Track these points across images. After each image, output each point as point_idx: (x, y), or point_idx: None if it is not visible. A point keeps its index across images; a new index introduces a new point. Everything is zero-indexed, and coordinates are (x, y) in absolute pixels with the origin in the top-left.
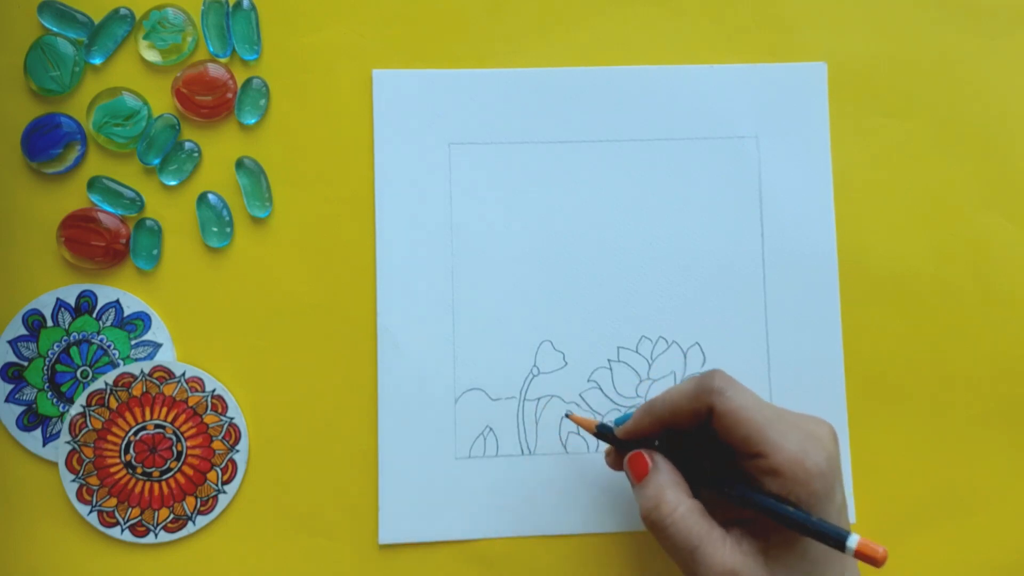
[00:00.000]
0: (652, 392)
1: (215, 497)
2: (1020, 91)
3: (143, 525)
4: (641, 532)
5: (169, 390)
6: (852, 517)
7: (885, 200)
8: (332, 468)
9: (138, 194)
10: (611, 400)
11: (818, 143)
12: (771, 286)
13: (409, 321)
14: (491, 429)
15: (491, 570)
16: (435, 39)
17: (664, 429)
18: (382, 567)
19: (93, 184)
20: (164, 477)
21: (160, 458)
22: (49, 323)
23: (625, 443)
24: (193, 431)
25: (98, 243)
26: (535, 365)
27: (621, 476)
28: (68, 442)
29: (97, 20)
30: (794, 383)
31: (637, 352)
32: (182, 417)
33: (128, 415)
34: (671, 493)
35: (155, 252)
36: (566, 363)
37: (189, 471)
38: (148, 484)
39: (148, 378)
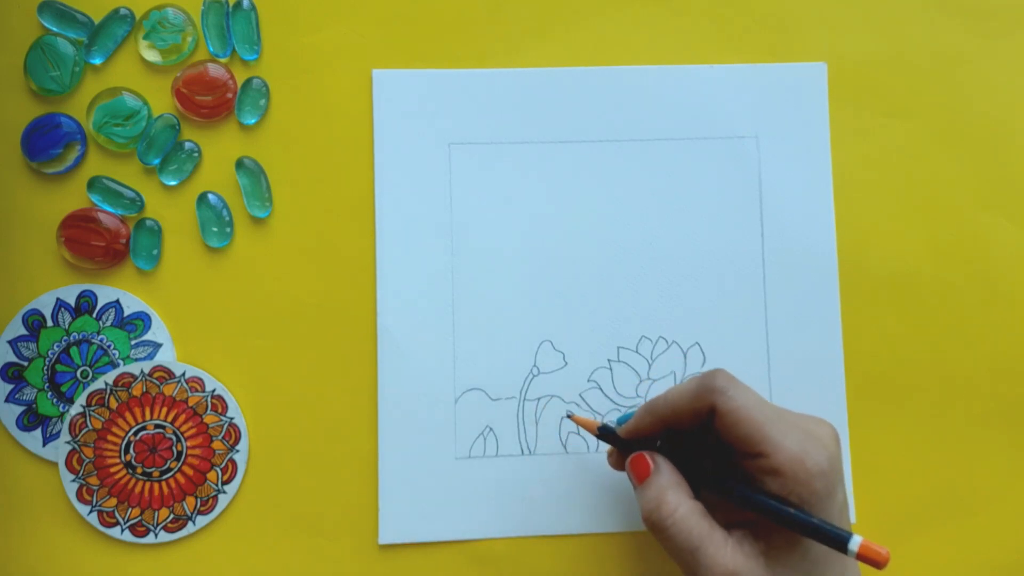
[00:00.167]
0: (652, 392)
1: (215, 497)
2: (1020, 91)
3: (143, 525)
4: (641, 532)
5: (169, 390)
6: (852, 517)
7: (885, 200)
8: (332, 468)
9: (138, 194)
10: (611, 400)
11: (818, 143)
12: (771, 286)
13: (409, 321)
14: (491, 429)
15: (491, 570)
16: (435, 39)
17: (666, 428)
18: (382, 567)
19: (93, 184)
20: (164, 477)
21: (160, 458)
22: (49, 323)
23: (626, 443)
24: (193, 431)
25: (98, 243)
26: (535, 365)
27: (621, 476)
28: (68, 442)
29: (97, 20)
30: (794, 383)
31: (637, 352)
32: (182, 417)
33: (128, 415)
34: (672, 494)
35: (155, 252)
36: (566, 363)
37: (189, 471)
38: (148, 484)
39: (148, 378)
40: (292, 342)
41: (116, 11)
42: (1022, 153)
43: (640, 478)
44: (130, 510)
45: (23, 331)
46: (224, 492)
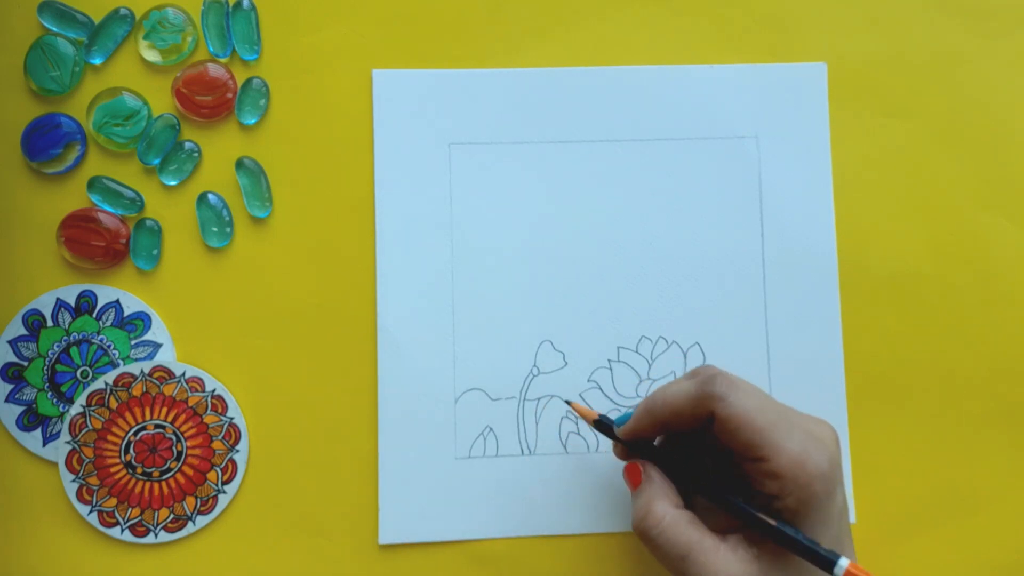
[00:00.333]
0: None
1: (215, 497)
2: (1020, 91)
3: (143, 525)
4: None
5: (169, 390)
6: (852, 517)
7: (885, 200)
8: (332, 468)
9: (138, 194)
10: (611, 400)
11: (818, 143)
12: (771, 286)
13: (409, 321)
14: (491, 429)
15: (491, 570)
16: (435, 39)
17: (665, 431)
18: (382, 567)
19: (93, 184)
20: (164, 477)
21: (160, 458)
22: (49, 323)
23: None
24: (193, 431)
25: (98, 243)
26: (535, 365)
27: (621, 476)
28: (68, 442)
29: (97, 20)
30: (794, 383)
31: (637, 352)
32: (182, 417)
33: (128, 415)
34: (659, 504)
35: (155, 252)
36: (566, 363)
37: (189, 471)
38: (148, 484)
39: (148, 378)
40: (292, 342)
41: (116, 11)
42: (1022, 153)
43: (633, 486)
44: (130, 510)
45: (23, 331)
46: (224, 492)
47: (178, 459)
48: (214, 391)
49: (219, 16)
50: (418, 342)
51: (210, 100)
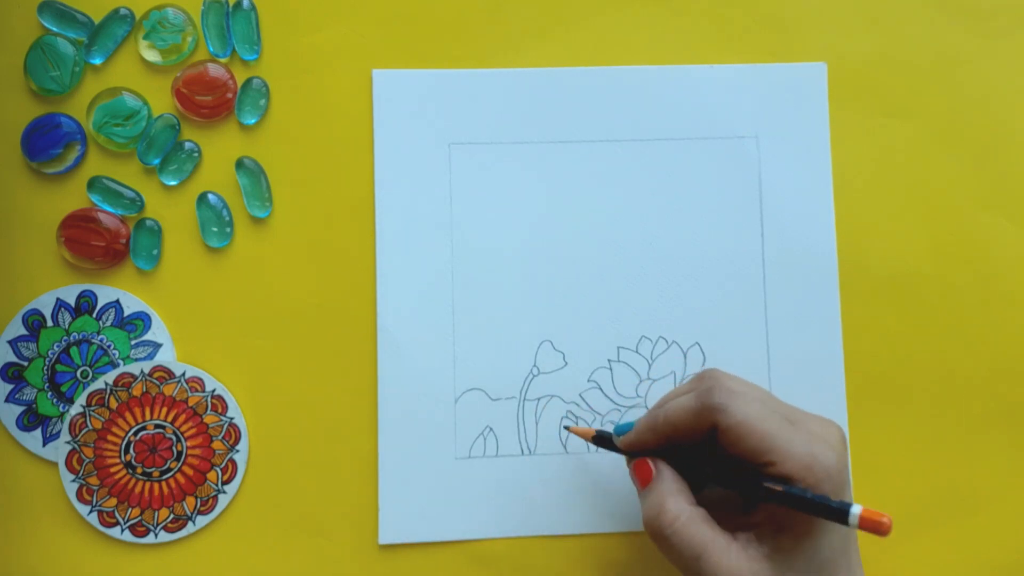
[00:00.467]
0: (652, 392)
1: (215, 497)
2: (1020, 91)
3: (143, 525)
4: (641, 532)
5: (169, 390)
6: None
7: (885, 200)
8: (332, 468)
9: (138, 194)
10: (611, 400)
11: (818, 143)
12: (771, 286)
13: (409, 321)
14: (491, 429)
15: (491, 570)
16: (435, 39)
17: (670, 443)
18: (382, 567)
19: (93, 184)
20: (164, 477)
21: (160, 458)
22: (49, 323)
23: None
24: (193, 431)
25: (98, 243)
26: (535, 365)
27: (621, 476)
28: (68, 442)
29: (97, 20)
30: (794, 383)
31: (637, 352)
32: (182, 417)
33: (128, 415)
34: (672, 501)
35: (155, 252)
36: (566, 363)
37: (189, 471)
38: (148, 484)
39: (148, 378)
40: (292, 342)
41: (116, 11)
42: (1022, 153)
43: (643, 483)
44: (130, 510)
45: (23, 331)
46: (224, 492)
47: (178, 459)
48: (214, 391)
49: (219, 16)
50: (418, 342)
51: (210, 100)
